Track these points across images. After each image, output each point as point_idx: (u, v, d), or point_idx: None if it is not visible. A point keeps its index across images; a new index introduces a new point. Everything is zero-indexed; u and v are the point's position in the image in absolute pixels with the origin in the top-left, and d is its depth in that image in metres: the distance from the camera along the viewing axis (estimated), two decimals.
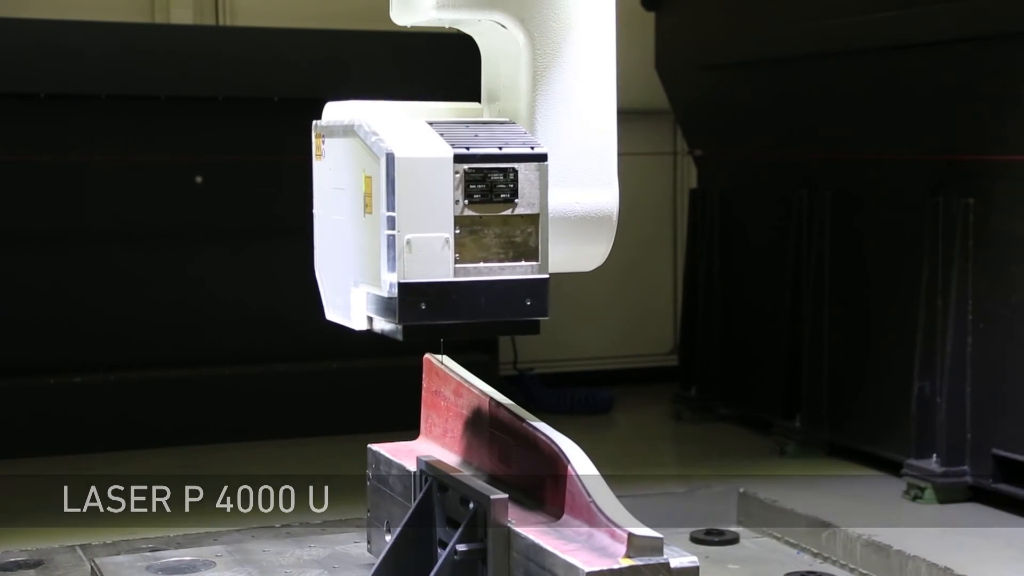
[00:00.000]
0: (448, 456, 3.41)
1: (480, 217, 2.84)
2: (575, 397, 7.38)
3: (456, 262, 2.82)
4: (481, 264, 2.84)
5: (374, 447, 3.66)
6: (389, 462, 3.52)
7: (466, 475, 3.17)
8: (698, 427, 7.03)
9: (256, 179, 6.93)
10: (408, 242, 2.78)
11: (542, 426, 3.01)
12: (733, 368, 7.02)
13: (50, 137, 6.63)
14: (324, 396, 6.78)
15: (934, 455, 5.48)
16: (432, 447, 3.53)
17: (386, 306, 2.85)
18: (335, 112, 3.18)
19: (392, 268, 2.78)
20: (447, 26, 3.15)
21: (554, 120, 3.09)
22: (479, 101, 3.32)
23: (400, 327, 2.82)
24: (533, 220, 2.87)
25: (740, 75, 6.96)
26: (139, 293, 6.75)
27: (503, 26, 3.08)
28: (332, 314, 3.19)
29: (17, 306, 6.56)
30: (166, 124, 6.78)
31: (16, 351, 6.52)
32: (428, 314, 2.81)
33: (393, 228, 2.77)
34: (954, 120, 5.61)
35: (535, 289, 2.88)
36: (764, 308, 6.75)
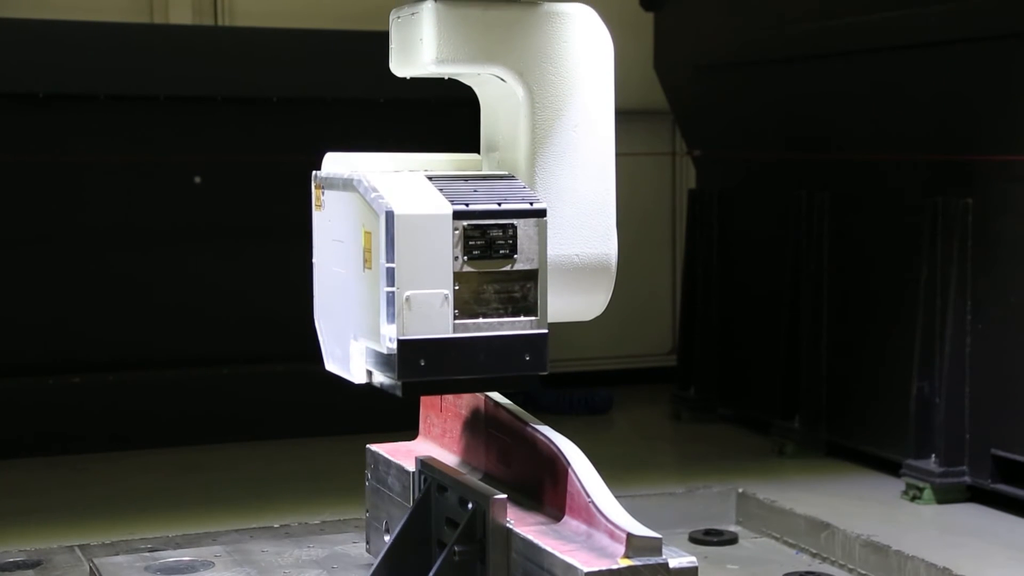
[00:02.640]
0: (447, 456, 3.41)
1: (479, 273, 2.84)
2: (574, 397, 7.39)
3: (455, 318, 2.82)
4: (480, 320, 2.84)
5: (373, 447, 3.66)
6: (388, 462, 3.53)
7: (465, 475, 3.17)
8: (697, 427, 7.03)
9: (255, 179, 6.93)
10: (407, 298, 2.78)
11: (541, 426, 3.02)
12: (732, 368, 7.03)
13: (49, 137, 6.63)
14: (323, 396, 6.76)
15: (933, 455, 5.48)
16: (431, 447, 3.53)
17: (385, 361, 2.85)
18: (334, 164, 3.17)
19: (391, 324, 2.79)
20: (446, 77, 3.15)
21: (553, 173, 3.10)
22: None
23: (399, 383, 2.83)
24: (532, 275, 2.87)
25: (739, 75, 6.96)
26: (138, 293, 6.75)
27: (502, 80, 3.09)
28: (331, 365, 3.19)
29: (17, 306, 6.56)
30: (165, 124, 6.79)
31: (16, 351, 6.52)
32: (427, 370, 2.81)
33: (392, 284, 2.78)
34: (953, 120, 5.62)
35: (534, 344, 2.88)
36: (763, 308, 6.76)
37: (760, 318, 6.81)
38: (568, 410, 7.29)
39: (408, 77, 3.23)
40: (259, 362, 6.85)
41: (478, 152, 3.32)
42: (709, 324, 7.15)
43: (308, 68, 6.91)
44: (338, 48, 6.90)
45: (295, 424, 6.70)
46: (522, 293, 2.87)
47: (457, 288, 2.82)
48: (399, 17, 3.17)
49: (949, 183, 5.56)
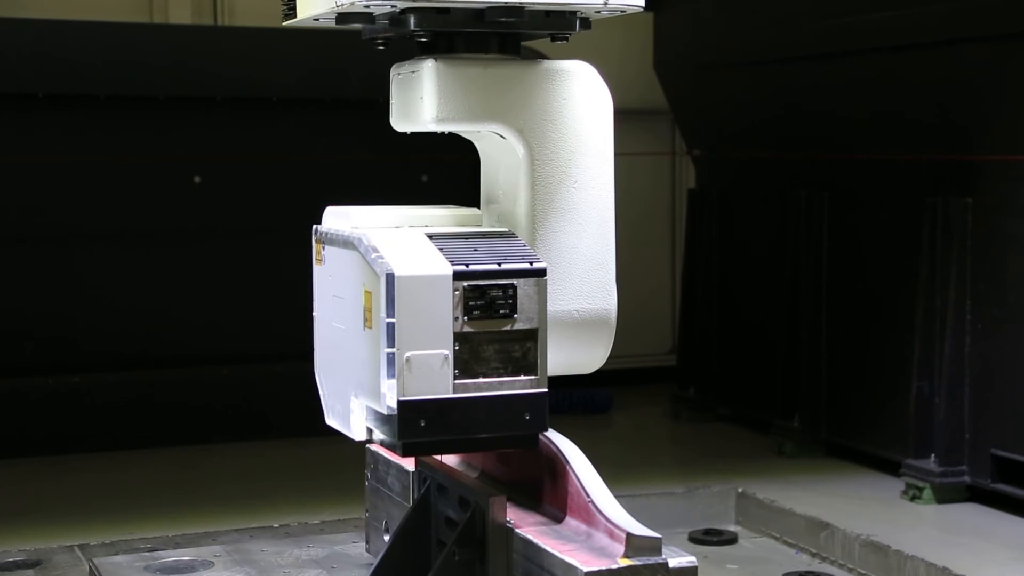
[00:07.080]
0: (447, 456, 3.41)
1: (479, 333, 2.83)
2: (574, 397, 7.38)
3: (455, 378, 2.81)
4: (480, 379, 2.83)
5: (373, 447, 3.66)
6: (388, 462, 3.53)
7: (464, 475, 3.18)
8: (697, 427, 7.03)
9: (255, 179, 6.93)
10: (408, 359, 2.78)
11: None
12: (731, 368, 7.03)
13: (49, 137, 6.63)
14: None
15: (932, 455, 5.48)
16: None
17: (386, 421, 2.85)
18: (335, 219, 3.17)
19: (392, 384, 2.78)
20: (446, 132, 3.16)
21: (553, 229, 3.10)
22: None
23: (400, 443, 2.83)
24: (532, 335, 2.86)
25: (739, 75, 6.96)
26: (138, 293, 6.75)
27: (502, 137, 3.10)
28: (332, 420, 3.18)
29: (17, 306, 6.56)
30: (165, 124, 6.79)
31: (16, 351, 6.52)
32: (427, 431, 2.81)
33: (393, 345, 2.77)
34: (953, 120, 5.62)
35: (534, 403, 2.87)
36: (762, 308, 6.76)
37: (760, 318, 6.81)
38: (567, 409, 7.29)
39: (408, 132, 3.24)
40: (259, 362, 6.84)
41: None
42: (709, 324, 7.15)
43: (308, 68, 6.91)
44: (337, 48, 6.90)
45: (295, 424, 6.68)
46: (522, 352, 2.85)
47: (457, 348, 2.81)
48: (399, 74, 3.18)
49: (949, 183, 5.56)
